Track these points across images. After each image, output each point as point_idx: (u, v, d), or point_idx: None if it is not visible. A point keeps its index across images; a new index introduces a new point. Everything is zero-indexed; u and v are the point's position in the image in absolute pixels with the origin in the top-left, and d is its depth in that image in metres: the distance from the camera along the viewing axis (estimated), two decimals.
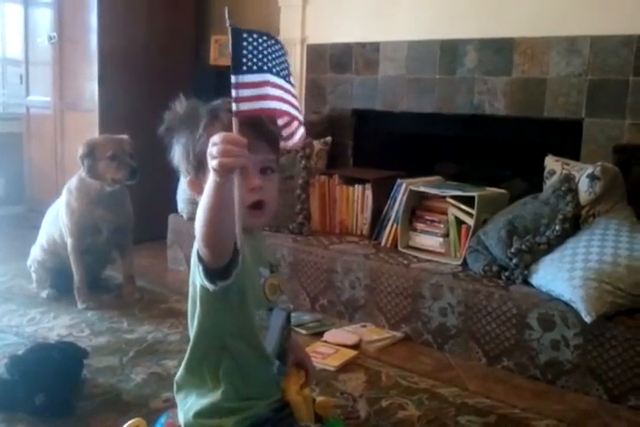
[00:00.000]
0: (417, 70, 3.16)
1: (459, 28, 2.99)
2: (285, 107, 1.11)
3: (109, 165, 2.74)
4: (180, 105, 1.33)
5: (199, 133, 1.27)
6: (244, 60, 1.06)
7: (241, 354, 1.28)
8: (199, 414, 1.29)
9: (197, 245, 1.16)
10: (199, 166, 1.28)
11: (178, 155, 1.34)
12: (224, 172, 1.04)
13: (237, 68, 1.06)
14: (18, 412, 1.86)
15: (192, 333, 1.31)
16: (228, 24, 1.06)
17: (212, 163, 1.03)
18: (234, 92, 1.05)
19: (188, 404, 1.32)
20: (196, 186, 1.32)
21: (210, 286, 1.18)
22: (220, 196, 1.07)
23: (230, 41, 1.06)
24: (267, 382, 1.34)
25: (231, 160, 1.02)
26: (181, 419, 1.33)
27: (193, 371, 1.32)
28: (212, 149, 1.03)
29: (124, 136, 2.85)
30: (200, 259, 1.16)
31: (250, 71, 1.06)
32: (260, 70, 1.07)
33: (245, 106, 1.06)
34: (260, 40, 1.07)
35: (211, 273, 1.16)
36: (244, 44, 1.06)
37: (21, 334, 2.47)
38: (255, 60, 1.06)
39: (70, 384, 1.97)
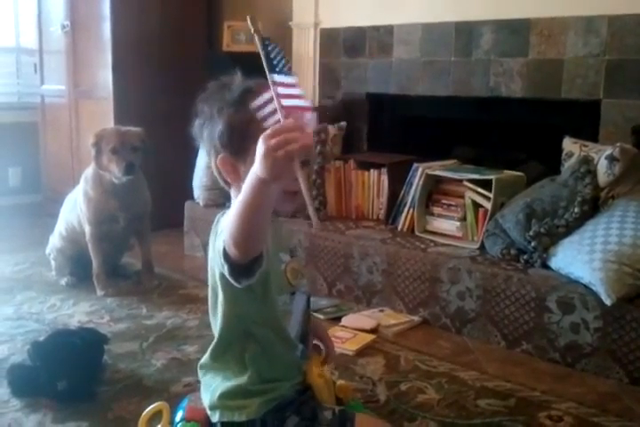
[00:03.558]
0: (432, 53, 3.13)
1: (474, 9, 2.95)
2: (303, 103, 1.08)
3: (111, 158, 2.73)
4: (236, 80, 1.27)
5: (244, 111, 1.17)
6: (275, 62, 1.05)
7: (266, 340, 1.29)
8: (224, 396, 1.29)
9: (226, 243, 1.11)
10: (240, 145, 1.21)
11: (210, 132, 1.26)
12: (286, 160, 0.96)
13: (271, 69, 1.04)
14: (41, 397, 1.88)
15: (216, 323, 1.31)
16: (253, 31, 1.06)
17: (277, 154, 0.95)
18: (275, 89, 1.01)
19: (214, 386, 1.32)
20: (228, 165, 1.25)
21: (235, 284, 1.16)
22: (266, 196, 1.02)
23: (260, 46, 1.04)
24: (290, 365, 1.34)
25: (296, 146, 0.95)
26: (206, 401, 1.34)
27: (218, 358, 1.33)
28: (270, 142, 0.95)
29: (136, 129, 2.83)
30: (226, 258, 1.12)
31: (280, 73, 1.05)
32: (284, 73, 1.06)
33: (288, 102, 1.04)
34: (273, 45, 1.07)
35: (236, 272, 1.13)
36: (270, 48, 1.06)
37: (42, 321, 2.50)
38: (279, 64, 1.06)
39: (92, 370, 1.99)
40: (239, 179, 1.24)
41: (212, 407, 1.32)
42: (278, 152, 0.94)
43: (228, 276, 1.15)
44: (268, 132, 0.96)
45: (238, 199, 1.05)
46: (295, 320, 1.34)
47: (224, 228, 1.13)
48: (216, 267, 1.22)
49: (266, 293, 1.25)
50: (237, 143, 1.22)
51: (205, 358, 1.36)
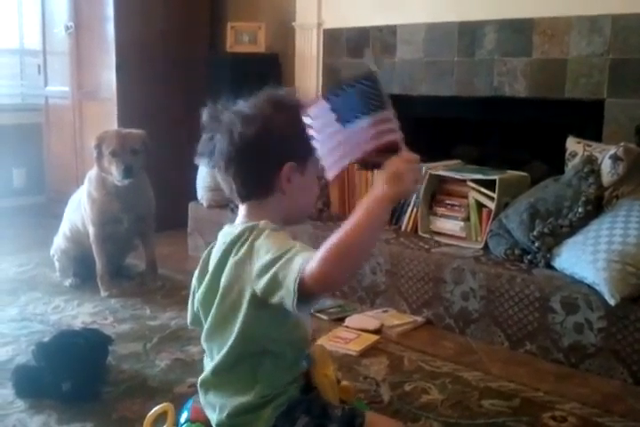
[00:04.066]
0: (435, 53, 3.13)
1: (477, 9, 2.95)
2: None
3: (110, 160, 2.74)
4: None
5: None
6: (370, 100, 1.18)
7: (281, 354, 1.28)
8: (233, 414, 1.28)
9: (310, 275, 1.08)
10: (306, 154, 1.26)
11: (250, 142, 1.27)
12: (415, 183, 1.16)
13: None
14: (45, 398, 1.89)
15: (224, 339, 1.28)
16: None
17: (412, 178, 1.13)
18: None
19: (219, 405, 1.30)
20: (293, 172, 1.32)
21: (293, 310, 1.13)
22: (387, 215, 1.13)
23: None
24: (297, 370, 1.34)
25: (419, 175, 1.12)
26: (213, 419, 1.32)
27: (221, 374, 1.30)
28: (409, 170, 1.13)
29: (137, 131, 2.84)
30: (302, 293, 1.09)
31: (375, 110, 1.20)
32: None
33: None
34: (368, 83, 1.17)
35: (299, 301, 1.10)
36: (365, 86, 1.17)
37: (46, 322, 2.50)
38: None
39: (96, 371, 2.00)
40: (291, 187, 1.31)
41: (221, 426, 1.30)
42: (412, 177, 1.13)
43: (290, 306, 1.11)
44: (404, 161, 1.14)
45: (348, 228, 1.10)
46: (306, 325, 1.34)
47: (296, 259, 1.12)
48: (247, 286, 1.20)
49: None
50: (303, 152, 1.26)
51: (206, 374, 1.34)
